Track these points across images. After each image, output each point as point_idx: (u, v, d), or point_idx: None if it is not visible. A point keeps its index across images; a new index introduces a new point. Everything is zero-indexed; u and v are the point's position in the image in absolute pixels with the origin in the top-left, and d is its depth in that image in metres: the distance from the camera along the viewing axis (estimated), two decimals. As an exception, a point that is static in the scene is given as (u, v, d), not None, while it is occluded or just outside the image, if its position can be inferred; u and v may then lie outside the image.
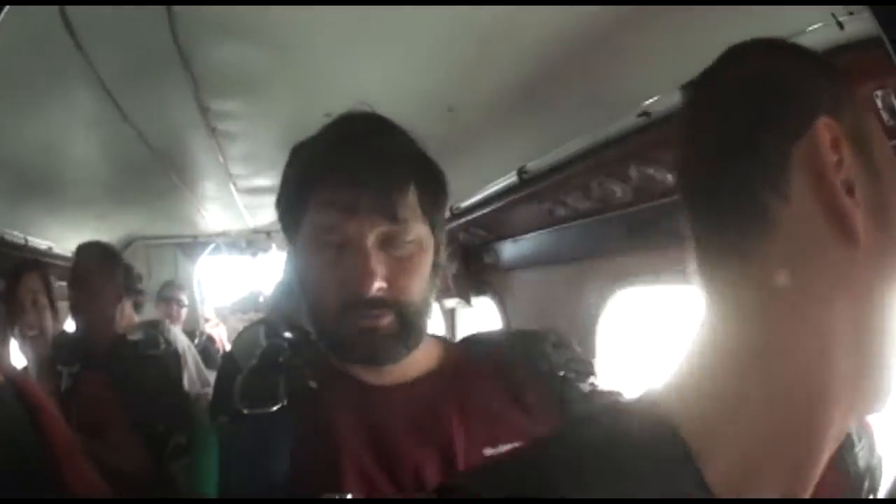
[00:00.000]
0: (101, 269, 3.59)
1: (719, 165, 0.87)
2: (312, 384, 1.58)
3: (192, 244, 6.90)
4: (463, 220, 3.95)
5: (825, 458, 0.82)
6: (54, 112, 2.59)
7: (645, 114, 2.12)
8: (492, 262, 4.22)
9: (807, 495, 0.82)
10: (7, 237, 3.85)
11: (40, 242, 4.36)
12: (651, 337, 3.07)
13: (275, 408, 1.53)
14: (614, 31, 1.81)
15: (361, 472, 1.40)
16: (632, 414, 0.86)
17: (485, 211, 3.63)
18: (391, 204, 1.45)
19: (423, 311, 1.56)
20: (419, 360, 1.61)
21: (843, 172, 0.80)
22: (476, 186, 3.50)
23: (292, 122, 2.43)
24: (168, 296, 6.20)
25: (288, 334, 1.74)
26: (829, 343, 0.80)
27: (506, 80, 2.18)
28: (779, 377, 0.80)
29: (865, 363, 0.83)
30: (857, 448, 1.17)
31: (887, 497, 1.31)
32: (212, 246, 6.92)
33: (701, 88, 0.95)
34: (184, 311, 6.25)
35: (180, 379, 3.74)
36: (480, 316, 4.75)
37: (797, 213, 0.80)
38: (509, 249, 4.01)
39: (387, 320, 1.49)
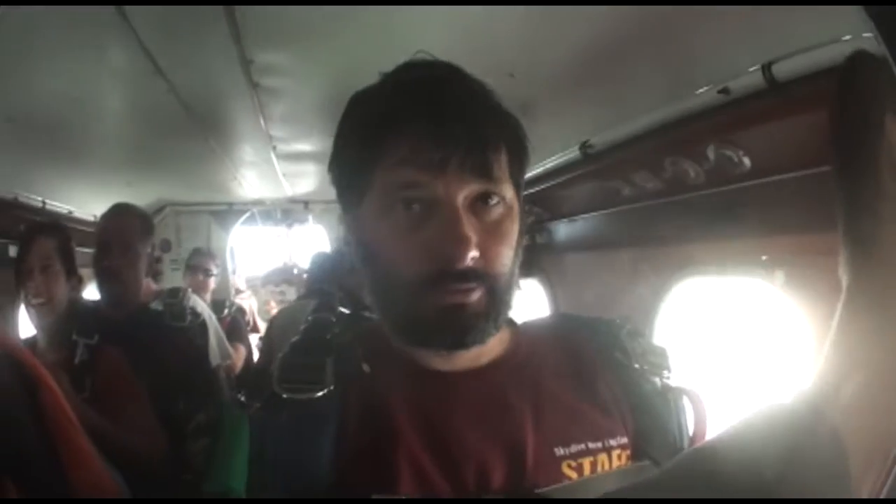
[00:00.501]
0: (134, 235, 3.44)
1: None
2: (366, 367, 1.39)
3: (225, 212, 6.85)
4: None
5: None
6: (84, 63, 2.47)
7: (724, 90, 2.01)
8: (544, 242, 4.09)
9: None
10: (22, 199, 3.75)
11: (60, 206, 4.26)
12: (712, 330, 2.92)
13: (320, 393, 1.35)
14: (691, 7, 1.77)
15: (418, 470, 1.24)
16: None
17: (542, 187, 3.48)
18: (486, 161, 1.27)
19: (512, 284, 1.36)
20: (492, 346, 1.41)
21: None
22: (535, 160, 3.25)
23: (342, 80, 2.19)
24: (196, 264, 6.04)
25: (343, 309, 1.60)
26: None
27: (571, 49, 2.11)
28: None
29: None
30: None
31: (887, 497, 1.23)
32: (246, 214, 6.87)
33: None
34: (212, 281, 6.08)
35: (206, 353, 3.62)
36: (528, 299, 4.53)
37: None
38: (564, 230, 3.91)
39: (476, 295, 1.29)
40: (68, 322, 2.93)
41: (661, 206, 2.83)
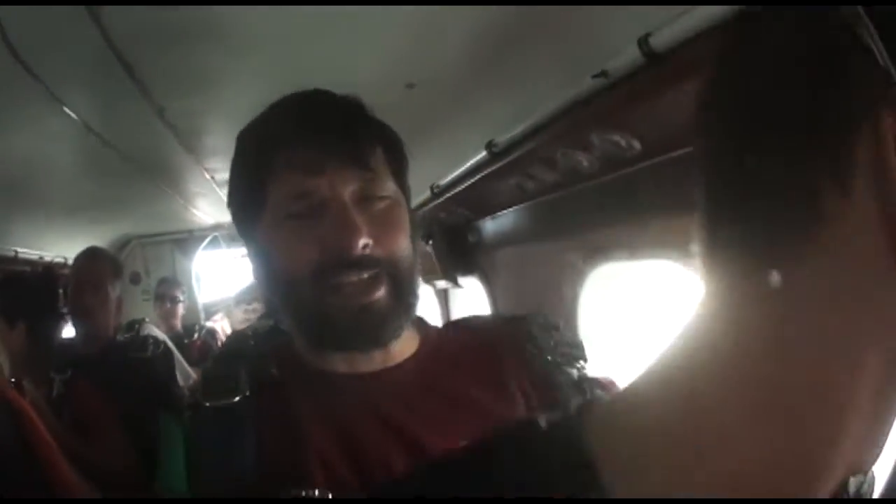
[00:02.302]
0: (105, 277, 3.74)
1: (765, 142, 0.70)
2: (275, 372, 1.49)
3: (187, 240, 6.97)
4: (443, 198, 3.84)
5: None
6: (25, 132, 2.66)
7: (602, 74, 1.92)
8: (475, 240, 4.11)
9: None
10: None
11: (31, 253, 4.48)
12: (632, 314, 2.97)
13: (235, 399, 1.44)
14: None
15: (327, 467, 1.31)
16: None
17: (461, 188, 3.50)
18: (362, 154, 1.41)
19: (414, 272, 1.48)
20: (400, 345, 1.51)
21: None
22: (453, 163, 3.41)
23: (254, 109, 2.45)
24: (163, 293, 6.25)
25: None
26: (853, 381, 0.66)
27: (463, 52, 2.09)
28: (783, 402, 0.67)
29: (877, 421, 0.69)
30: None
31: (887, 497, 1.28)
32: (208, 239, 6.97)
33: (744, 43, 0.76)
34: (180, 307, 6.27)
35: (172, 378, 3.81)
36: (472, 297, 4.62)
37: (855, 212, 0.65)
38: (490, 227, 3.91)
39: (381, 292, 1.40)
40: (46, 361, 3.20)
41: (565, 197, 2.83)
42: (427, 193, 3.96)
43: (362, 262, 1.36)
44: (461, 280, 4.47)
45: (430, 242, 4.25)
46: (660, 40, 1.63)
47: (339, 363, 1.46)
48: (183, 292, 6.44)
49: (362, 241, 1.35)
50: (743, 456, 0.67)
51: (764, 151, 0.70)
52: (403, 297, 1.43)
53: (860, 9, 0.70)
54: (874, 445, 0.70)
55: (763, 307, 0.68)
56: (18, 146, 2.87)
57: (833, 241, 0.65)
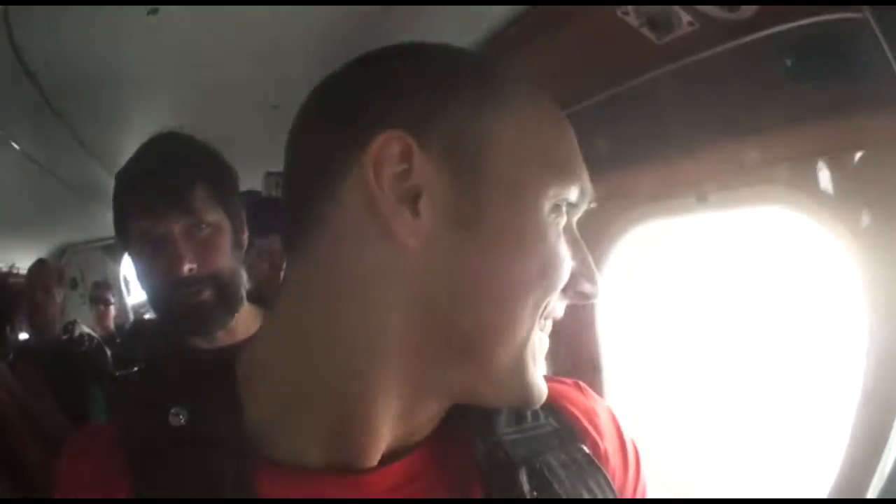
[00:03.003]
0: (52, 282, 4.32)
1: (293, 163, 0.98)
2: (157, 350, 2.08)
3: (113, 245, 7.04)
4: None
5: (383, 414, 0.92)
6: None
7: None
8: None
9: (372, 443, 0.93)
10: None
11: None
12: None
13: (135, 368, 2.05)
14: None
15: None
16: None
17: None
18: (183, 201, 1.88)
19: (234, 280, 1.99)
20: (242, 327, 1.98)
21: (409, 181, 0.85)
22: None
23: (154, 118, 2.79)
24: (96, 296, 6.70)
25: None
26: (379, 323, 0.89)
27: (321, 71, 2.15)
28: (323, 340, 0.92)
29: (432, 349, 0.90)
30: (507, 431, 1.06)
31: (886, 497, 1.40)
32: None
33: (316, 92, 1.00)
34: (111, 309, 6.70)
35: (105, 366, 4.36)
36: None
37: (349, 216, 0.88)
38: None
39: (205, 294, 1.91)
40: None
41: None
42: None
43: (188, 281, 1.89)
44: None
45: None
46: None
47: (196, 341, 2.01)
48: (113, 295, 6.88)
49: (187, 267, 1.88)
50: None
51: (293, 175, 0.98)
52: (226, 298, 1.95)
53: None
54: (455, 373, 0.94)
55: (304, 280, 0.96)
56: None
57: (335, 233, 0.90)
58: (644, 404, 2.65)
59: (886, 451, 1.47)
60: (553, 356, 2.82)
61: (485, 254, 0.88)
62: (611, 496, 1.04)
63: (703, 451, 2.56)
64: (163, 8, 1.83)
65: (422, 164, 0.86)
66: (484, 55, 0.99)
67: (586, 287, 0.96)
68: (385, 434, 0.94)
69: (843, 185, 1.62)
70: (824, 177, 1.65)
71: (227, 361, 1.02)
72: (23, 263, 4.94)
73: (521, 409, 1.03)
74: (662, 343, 2.65)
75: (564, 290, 0.94)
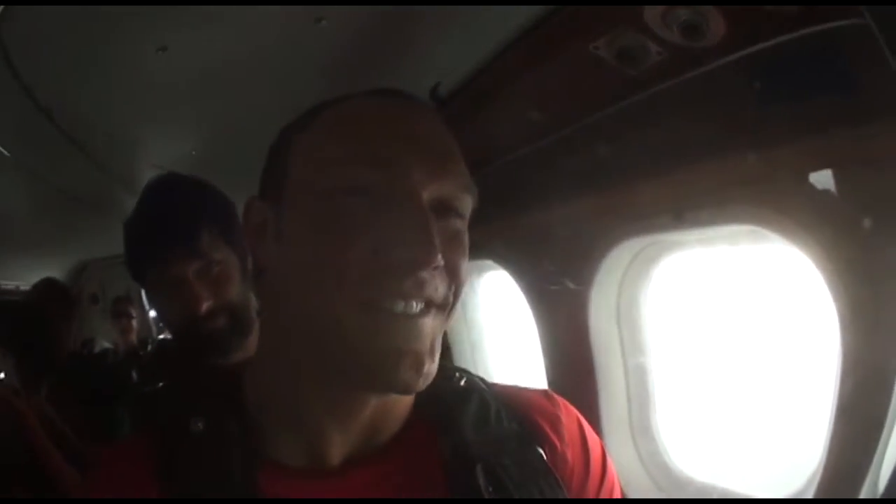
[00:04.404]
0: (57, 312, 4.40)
1: None
2: (180, 367, 2.15)
3: None
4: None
5: (321, 411, 1.10)
6: None
7: None
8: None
9: (325, 442, 1.11)
10: None
11: (8, 283, 5.16)
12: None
13: (159, 385, 2.18)
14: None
15: None
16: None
17: None
18: (193, 247, 1.98)
19: (246, 305, 2.07)
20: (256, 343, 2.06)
21: (259, 221, 1.12)
22: None
23: (195, 145, 3.06)
24: (118, 311, 6.75)
25: None
26: (277, 322, 1.15)
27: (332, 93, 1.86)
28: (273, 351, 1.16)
29: (300, 342, 1.07)
30: (470, 432, 1.15)
31: (886, 497, 1.41)
32: None
33: None
34: (134, 323, 6.76)
35: (129, 379, 4.47)
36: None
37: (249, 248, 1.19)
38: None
39: (221, 323, 2.00)
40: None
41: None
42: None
43: (205, 315, 1.99)
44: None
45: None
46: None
47: (214, 361, 2.06)
48: (135, 309, 6.93)
49: (204, 306, 1.98)
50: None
51: None
52: (240, 323, 2.04)
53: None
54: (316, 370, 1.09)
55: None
56: None
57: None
58: (636, 404, 2.79)
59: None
60: (551, 360, 3.04)
61: (291, 254, 1.05)
62: (559, 496, 1.15)
63: (695, 445, 2.71)
64: (172, 44, 2.01)
65: (263, 208, 1.13)
66: (326, 101, 1.08)
67: (398, 252, 0.98)
68: (331, 429, 1.11)
69: (815, 203, 1.70)
70: (797, 194, 1.74)
71: (237, 376, 1.20)
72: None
73: (387, 391, 1.07)
74: (653, 347, 2.78)
75: (378, 262, 0.99)
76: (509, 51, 2.09)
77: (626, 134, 2.13)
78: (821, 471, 1.81)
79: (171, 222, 2.03)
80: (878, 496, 1.51)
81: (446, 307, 1.07)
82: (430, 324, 1.03)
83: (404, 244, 0.98)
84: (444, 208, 1.05)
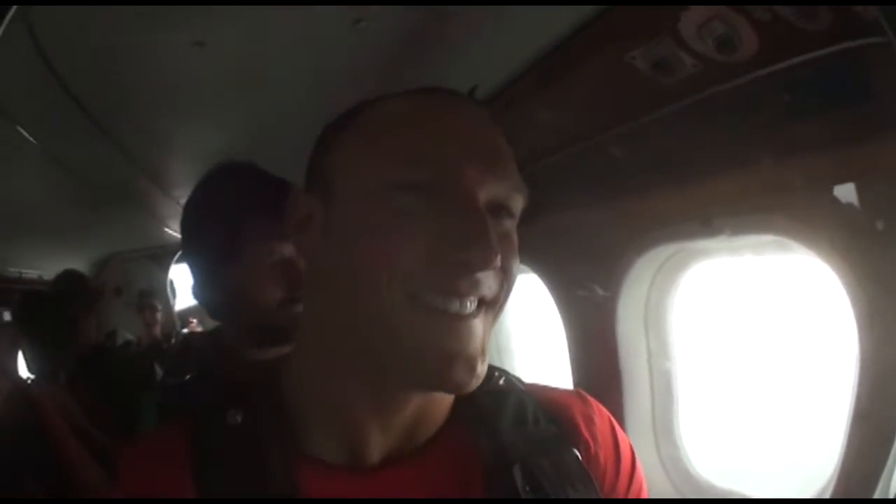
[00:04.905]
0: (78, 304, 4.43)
1: None
2: (211, 360, 2.16)
3: (161, 254, 7.35)
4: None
5: (364, 411, 1.12)
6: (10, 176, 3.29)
7: None
8: None
9: (366, 441, 1.13)
10: (5, 274, 4.71)
11: (31, 272, 5.18)
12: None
13: (187, 377, 2.16)
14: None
15: None
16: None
17: None
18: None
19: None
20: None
21: (304, 214, 1.14)
22: None
23: (211, 141, 3.07)
24: (143, 303, 6.88)
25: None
26: (322, 318, 1.14)
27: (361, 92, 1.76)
28: (314, 350, 1.17)
29: (346, 338, 1.09)
30: (509, 433, 1.18)
31: (885, 497, 1.43)
32: (179, 253, 7.16)
33: None
34: (159, 315, 6.88)
35: (152, 370, 4.50)
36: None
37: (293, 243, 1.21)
38: None
39: (293, 312, 1.95)
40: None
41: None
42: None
43: (295, 300, 1.98)
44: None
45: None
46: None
47: (257, 353, 2.07)
48: (160, 302, 7.05)
49: (296, 289, 1.97)
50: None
51: None
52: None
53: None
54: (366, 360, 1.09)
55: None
56: (17, 190, 3.59)
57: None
58: (660, 409, 2.81)
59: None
60: (578, 364, 3.08)
61: (341, 250, 1.06)
62: (594, 496, 1.17)
63: (717, 451, 2.75)
64: (209, 39, 2.00)
65: (309, 201, 1.14)
66: (369, 99, 1.10)
67: (454, 254, 1.00)
68: (372, 428, 1.12)
69: (836, 213, 1.71)
70: (819, 205, 1.76)
71: (276, 370, 1.21)
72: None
73: (438, 389, 1.08)
74: (679, 353, 2.80)
75: (436, 261, 1.00)
76: (546, 58, 2.12)
77: (656, 142, 2.16)
78: (836, 477, 1.81)
79: (268, 204, 1.92)
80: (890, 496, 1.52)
81: (496, 306, 1.09)
82: (480, 324, 1.05)
83: (464, 245, 0.99)
84: (498, 208, 1.06)
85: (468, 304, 1.03)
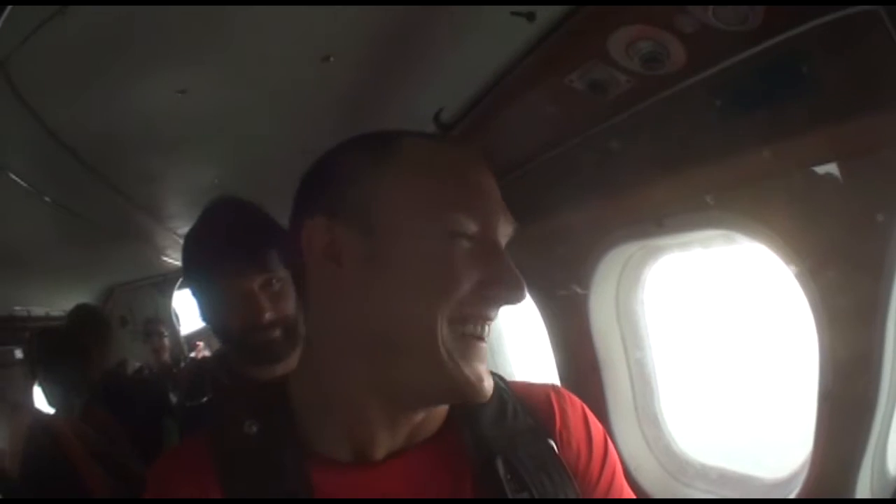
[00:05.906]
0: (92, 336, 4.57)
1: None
2: (222, 381, 2.34)
3: (163, 282, 7.49)
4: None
5: (376, 415, 1.27)
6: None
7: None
8: None
9: (376, 441, 1.28)
10: (14, 314, 4.79)
11: (39, 310, 5.24)
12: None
13: (204, 399, 2.35)
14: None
15: None
16: None
17: None
18: (262, 263, 2.17)
19: (298, 321, 2.21)
20: (295, 360, 1.83)
21: (332, 245, 1.24)
22: None
23: (199, 173, 3.18)
24: (150, 331, 6.94)
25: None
26: (340, 332, 1.26)
27: (381, 23, 1.95)
28: (321, 365, 1.31)
29: (375, 357, 1.23)
30: (490, 427, 1.36)
31: (885, 497, 1.50)
32: (181, 280, 7.30)
33: None
34: (166, 342, 6.93)
35: (167, 393, 4.55)
36: None
37: (310, 277, 1.30)
38: None
39: (277, 334, 2.18)
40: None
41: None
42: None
43: (265, 326, 2.17)
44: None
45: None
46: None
47: (257, 372, 2.26)
48: (166, 328, 7.12)
49: (266, 317, 2.16)
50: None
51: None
52: (291, 336, 2.22)
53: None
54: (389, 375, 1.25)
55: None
56: (19, 233, 3.71)
57: (311, 289, 1.32)
58: (640, 394, 2.97)
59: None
60: (561, 359, 3.24)
61: (385, 280, 1.21)
62: (568, 483, 1.34)
63: (696, 429, 2.85)
64: (190, 86, 2.17)
65: (340, 232, 1.24)
66: (390, 134, 1.25)
67: (496, 291, 1.23)
68: (383, 431, 1.29)
69: (787, 206, 1.86)
70: (768, 199, 1.91)
71: (282, 387, 1.37)
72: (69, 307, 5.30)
73: (465, 402, 1.29)
74: (652, 342, 2.96)
75: (478, 296, 1.22)
76: (497, 86, 2.31)
77: (608, 151, 2.32)
78: (811, 459, 1.93)
79: (242, 238, 2.22)
80: (889, 481, 1.62)
81: None
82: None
83: (504, 281, 1.22)
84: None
85: (488, 328, 1.26)
